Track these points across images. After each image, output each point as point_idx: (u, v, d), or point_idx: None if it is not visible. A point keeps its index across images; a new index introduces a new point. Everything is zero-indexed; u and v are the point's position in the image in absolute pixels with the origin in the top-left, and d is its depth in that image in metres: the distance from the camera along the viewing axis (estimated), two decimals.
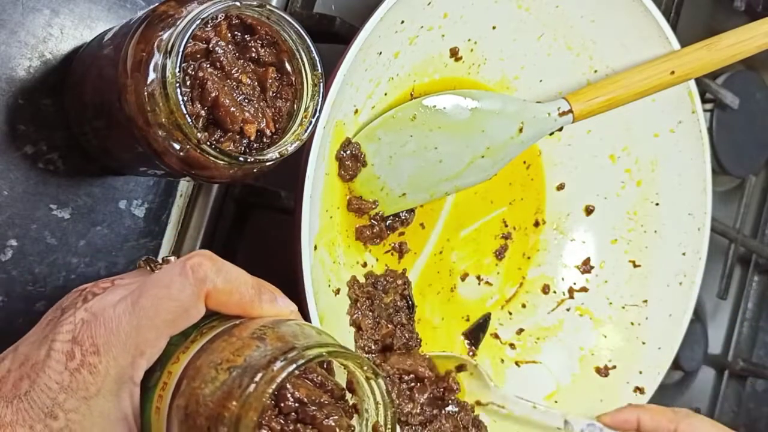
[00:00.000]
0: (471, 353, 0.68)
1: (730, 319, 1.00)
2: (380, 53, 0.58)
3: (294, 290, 0.53)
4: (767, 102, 0.96)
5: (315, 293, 0.52)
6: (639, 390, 0.71)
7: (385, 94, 0.61)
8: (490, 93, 0.66)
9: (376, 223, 0.62)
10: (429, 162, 0.62)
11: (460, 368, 0.65)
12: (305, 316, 0.52)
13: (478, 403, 0.66)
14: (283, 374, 0.36)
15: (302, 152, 0.51)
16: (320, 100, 0.44)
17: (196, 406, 0.37)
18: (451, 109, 0.62)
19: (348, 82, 0.54)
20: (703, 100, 0.92)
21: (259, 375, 0.36)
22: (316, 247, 0.56)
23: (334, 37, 0.59)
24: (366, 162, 0.60)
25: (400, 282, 0.64)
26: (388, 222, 0.63)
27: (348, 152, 0.58)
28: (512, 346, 0.71)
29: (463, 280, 0.69)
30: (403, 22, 0.58)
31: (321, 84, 0.44)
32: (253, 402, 0.36)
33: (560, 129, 0.67)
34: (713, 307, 0.97)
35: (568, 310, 0.70)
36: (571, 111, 0.65)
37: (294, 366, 0.36)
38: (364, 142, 0.59)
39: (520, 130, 0.64)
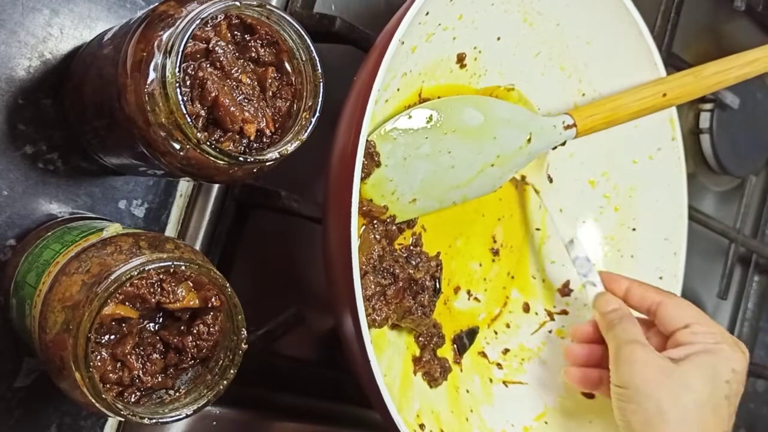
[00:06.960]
0: (456, 361, 0.67)
1: (730, 319, 1.00)
2: (403, 43, 0.56)
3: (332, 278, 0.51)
4: (767, 102, 0.96)
5: None
6: None
7: (398, 90, 0.60)
8: (502, 101, 0.66)
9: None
10: (442, 167, 0.62)
11: None
12: (353, 298, 0.51)
13: (523, 177, 0.71)
14: None
15: (348, 141, 0.50)
16: (320, 100, 0.44)
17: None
18: (465, 113, 0.62)
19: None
20: (704, 100, 0.92)
21: None
22: None
23: (334, 37, 0.59)
24: (380, 162, 0.59)
25: (433, 264, 0.63)
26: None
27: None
28: (499, 366, 0.70)
29: (455, 293, 0.68)
30: (427, 14, 0.58)
31: (321, 84, 0.44)
32: None
33: (563, 144, 0.68)
34: (713, 307, 0.97)
35: (550, 332, 0.69)
36: (574, 125, 0.66)
37: None
38: (379, 141, 0.58)
39: (529, 140, 0.65)
